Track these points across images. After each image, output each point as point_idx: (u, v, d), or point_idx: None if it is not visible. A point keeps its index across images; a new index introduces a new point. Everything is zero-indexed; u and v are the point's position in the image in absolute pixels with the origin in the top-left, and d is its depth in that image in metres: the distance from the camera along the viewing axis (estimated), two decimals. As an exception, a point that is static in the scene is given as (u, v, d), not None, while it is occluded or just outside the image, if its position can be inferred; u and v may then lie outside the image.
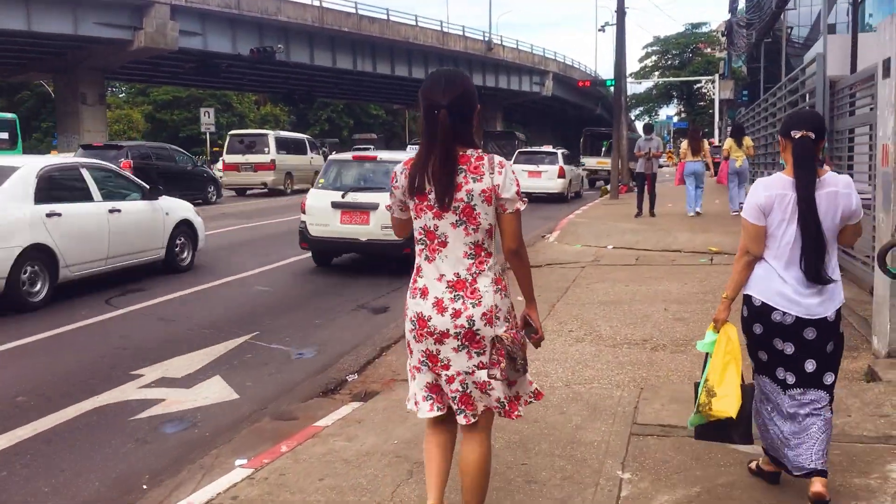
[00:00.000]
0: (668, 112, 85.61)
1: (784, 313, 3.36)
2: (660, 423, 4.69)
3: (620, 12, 24.24)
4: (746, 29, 28.51)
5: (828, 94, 10.65)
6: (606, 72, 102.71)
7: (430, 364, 2.98)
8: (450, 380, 2.95)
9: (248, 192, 27.60)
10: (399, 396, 5.35)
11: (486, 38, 61.32)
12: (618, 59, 24.37)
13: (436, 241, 2.92)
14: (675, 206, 18.80)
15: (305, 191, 13.22)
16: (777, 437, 3.48)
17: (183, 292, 9.58)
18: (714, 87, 66.09)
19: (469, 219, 2.87)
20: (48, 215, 8.66)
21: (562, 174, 23.70)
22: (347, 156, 12.37)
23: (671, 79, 74.34)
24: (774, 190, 3.37)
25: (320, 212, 10.77)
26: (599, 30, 39.52)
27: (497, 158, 2.95)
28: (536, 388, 3.15)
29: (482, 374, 2.91)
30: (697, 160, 16.64)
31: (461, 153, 2.90)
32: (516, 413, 3.03)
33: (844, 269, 7.64)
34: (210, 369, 6.42)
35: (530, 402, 3.11)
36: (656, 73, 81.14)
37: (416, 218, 2.97)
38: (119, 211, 9.78)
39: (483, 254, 2.92)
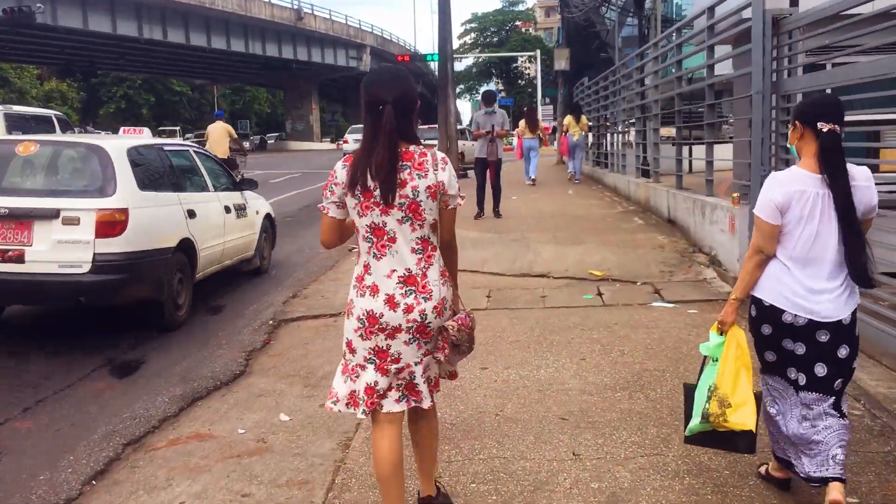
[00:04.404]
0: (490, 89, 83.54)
1: (795, 315, 3.12)
2: None
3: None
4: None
5: (769, 38, 6.93)
6: (425, 47, 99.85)
7: (377, 361, 2.95)
8: (399, 371, 2.96)
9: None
10: None
11: (296, 6, 55.86)
12: (442, 20, 20.27)
13: (385, 238, 2.90)
14: (520, 199, 14.93)
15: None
16: (789, 441, 3.26)
17: None
18: (531, 66, 64.34)
19: (415, 215, 2.88)
20: None
21: None
22: None
23: (493, 54, 72.26)
24: (793, 186, 3.11)
25: None
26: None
27: (440, 155, 2.95)
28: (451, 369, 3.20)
29: (428, 360, 2.99)
30: (534, 136, 18.59)
31: (405, 149, 2.87)
32: (437, 389, 3.12)
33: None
34: None
35: (443, 378, 3.19)
36: (476, 49, 79.11)
37: (361, 216, 2.90)
38: None
39: (429, 248, 2.95)
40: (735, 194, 7.50)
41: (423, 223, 2.90)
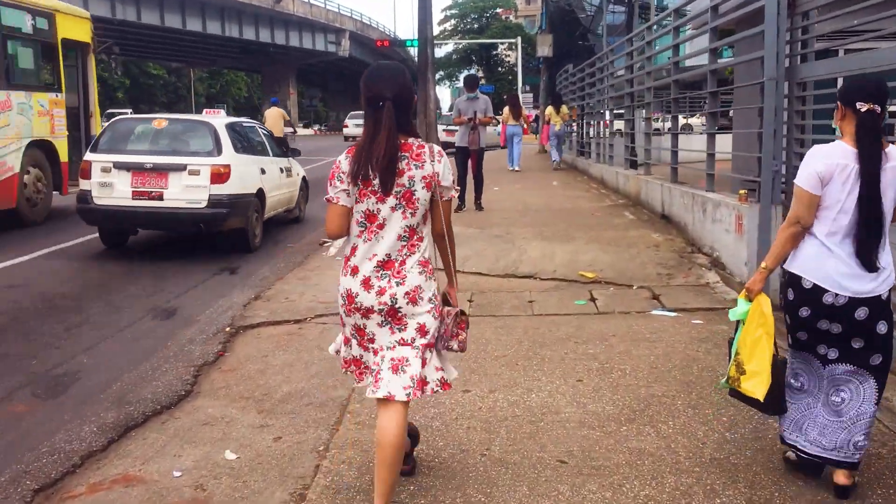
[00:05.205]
0: (473, 74, 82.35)
1: (836, 294, 3.14)
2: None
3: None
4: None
5: (784, 19, 6.27)
6: (405, 32, 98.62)
7: (358, 337, 3.09)
8: (374, 352, 3.06)
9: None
10: None
11: (274, -11, 54.55)
12: (422, 2, 19.45)
13: (375, 224, 3.02)
14: (503, 191, 14.23)
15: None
16: (803, 415, 3.34)
17: None
18: (512, 53, 63.30)
19: (408, 203, 2.99)
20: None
21: None
22: None
23: (474, 40, 71.42)
24: (835, 159, 3.14)
25: None
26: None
27: (436, 148, 3.08)
28: (443, 377, 3.14)
29: (402, 351, 3.02)
30: (517, 124, 18.94)
31: (403, 141, 3.01)
32: (418, 393, 3.03)
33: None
34: None
35: (437, 390, 3.13)
36: (456, 36, 78.17)
37: (358, 202, 3.03)
38: None
39: (415, 237, 3.05)
40: (742, 191, 6.85)
41: (414, 212, 3.01)
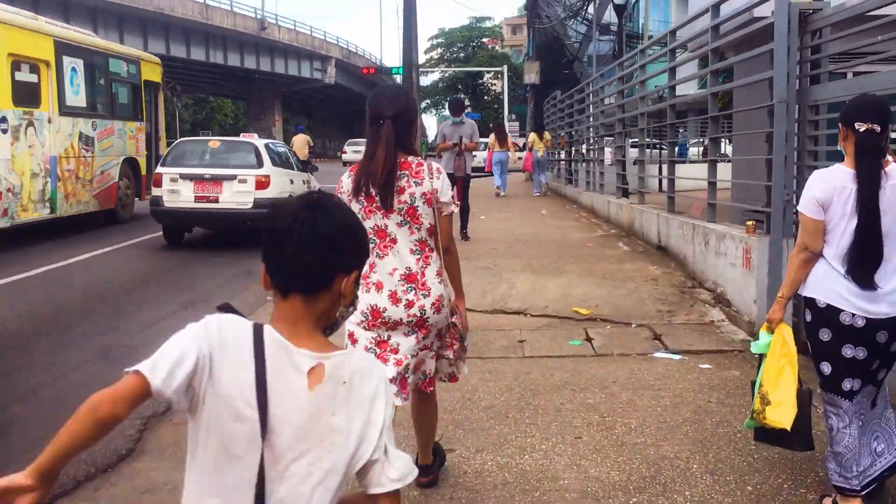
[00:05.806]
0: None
1: (853, 315, 3.07)
2: None
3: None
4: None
5: (795, 37, 5.80)
6: (391, 60, 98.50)
7: (377, 350, 3.15)
8: (398, 362, 3.14)
9: None
10: None
11: (260, 16, 54.30)
12: (407, 24, 19.09)
13: (387, 239, 3.16)
14: (490, 220, 13.68)
15: None
16: (850, 449, 3.15)
17: None
18: (497, 82, 63.26)
19: (412, 219, 3.14)
20: None
21: None
22: None
23: (460, 68, 71.53)
24: (833, 182, 3.14)
25: None
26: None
27: (435, 165, 3.22)
28: (453, 372, 3.42)
29: (423, 355, 3.22)
30: (503, 150, 19.33)
31: (403, 160, 3.15)
32: (431, 388, 3.35)
33: None
34: None
35: (443, 380, 3.45)
36: (443, 64, 78.34)
37: (365, 219, 3.12)
38: None
39: (427, 249, 3.20)
40: (750, 222, 6.33)
41: (420, 227, 3.15)
